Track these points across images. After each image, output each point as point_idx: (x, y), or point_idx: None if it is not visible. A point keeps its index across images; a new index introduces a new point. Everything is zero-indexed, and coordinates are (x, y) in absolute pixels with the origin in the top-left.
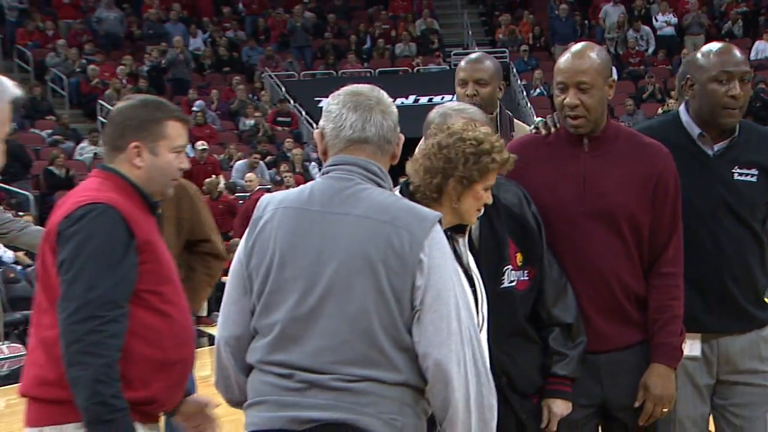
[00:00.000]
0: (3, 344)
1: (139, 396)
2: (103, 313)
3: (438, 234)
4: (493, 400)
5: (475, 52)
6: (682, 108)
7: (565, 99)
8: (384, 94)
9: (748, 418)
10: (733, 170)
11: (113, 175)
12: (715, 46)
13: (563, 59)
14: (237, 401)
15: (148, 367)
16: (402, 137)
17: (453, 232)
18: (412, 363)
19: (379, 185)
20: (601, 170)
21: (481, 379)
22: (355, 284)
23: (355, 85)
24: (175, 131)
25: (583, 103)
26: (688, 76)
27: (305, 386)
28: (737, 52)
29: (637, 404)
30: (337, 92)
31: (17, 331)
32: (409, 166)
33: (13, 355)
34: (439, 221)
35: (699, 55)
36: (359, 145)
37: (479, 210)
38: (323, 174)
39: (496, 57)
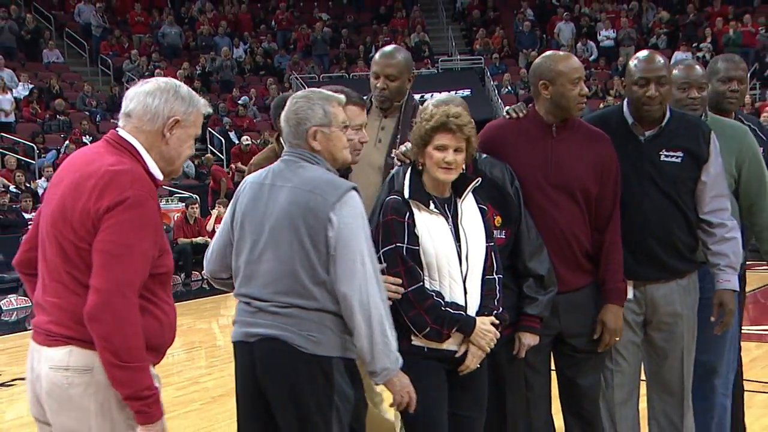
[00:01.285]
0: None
1: None
2: None
3: (351, 199)
4: (389, 322)
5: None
6: (625, 102)
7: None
8: (302, 104)
9: (669, 349)
10: (661, 153)
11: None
12: (642, 54)
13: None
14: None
15: None
16: None
17: (454, 195)
18: (327, 294)
19: (317, 164)
20: (564, 151)
21: (382, 307)
22: (283, 237)
23: (298, 93)
24: (354, 113)
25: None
26: (622, 78)
27: (256, 311)
28: (659, 57)
29: (595, 336)
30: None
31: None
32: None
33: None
34: (354, 189)
35: (629, 63)
36: (287, 142)
37: (443, 168)
38: (280, 158)
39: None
